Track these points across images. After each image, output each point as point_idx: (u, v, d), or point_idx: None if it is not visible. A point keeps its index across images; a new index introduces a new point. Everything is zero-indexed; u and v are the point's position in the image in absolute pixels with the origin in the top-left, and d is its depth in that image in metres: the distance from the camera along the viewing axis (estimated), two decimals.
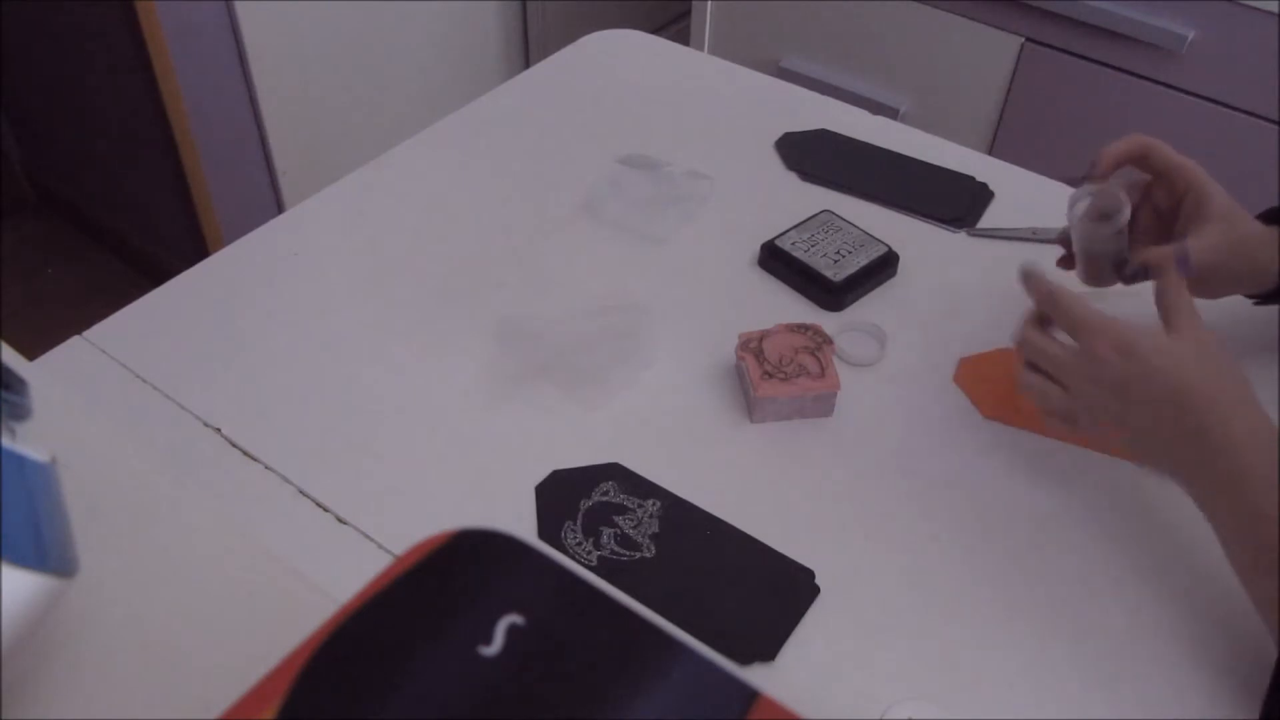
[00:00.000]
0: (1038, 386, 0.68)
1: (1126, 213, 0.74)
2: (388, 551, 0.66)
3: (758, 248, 0.89)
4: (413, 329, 0.82)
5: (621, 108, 1.07)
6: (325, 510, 0.68)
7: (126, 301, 0.82)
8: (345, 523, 0.68)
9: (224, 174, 1.72)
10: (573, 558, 0.66)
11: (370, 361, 0.79)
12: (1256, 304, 0.79)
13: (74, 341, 0.78)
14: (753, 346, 0.76)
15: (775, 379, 0.74)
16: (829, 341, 0.77)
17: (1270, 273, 0.74)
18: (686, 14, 1.87)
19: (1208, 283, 0.74)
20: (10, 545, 0.32)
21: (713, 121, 1.06)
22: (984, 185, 0.98)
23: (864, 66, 1.65)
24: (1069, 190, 0.98)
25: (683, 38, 1.57)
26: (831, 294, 0.84)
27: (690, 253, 0.90)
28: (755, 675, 0.34)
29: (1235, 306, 0.77)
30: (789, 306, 0.85)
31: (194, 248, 1.80)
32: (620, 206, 0.92)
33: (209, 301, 0.84)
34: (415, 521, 0.67)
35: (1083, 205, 0.76)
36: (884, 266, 0.87)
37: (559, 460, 0.72)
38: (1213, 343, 0.63)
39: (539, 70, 1.14)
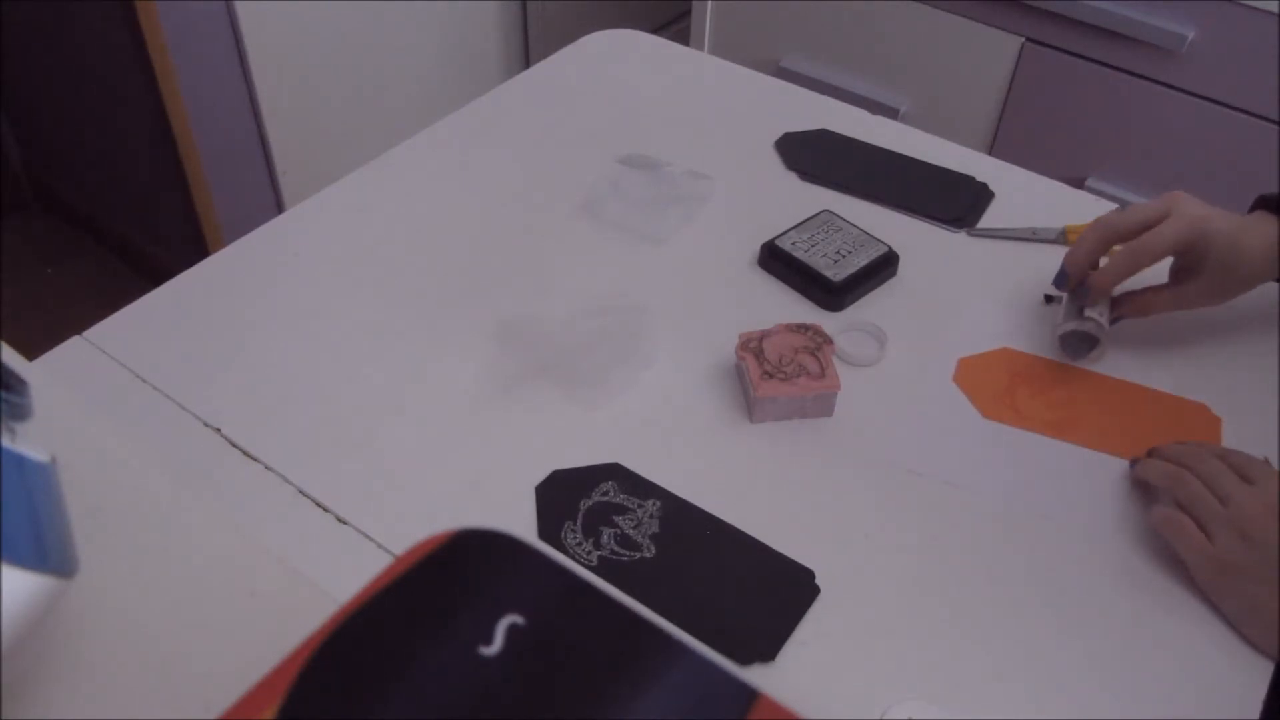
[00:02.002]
0: (1177, 524, 0.65)
1: (1104, 347, 0.79)
2: (388, 551, 0.66)
3: (758, 248, 0.89)
4: (413, 329, 0.82)
5: (621, 108, 1.07)
6: (325, 510, 0.68)
7: (126, 301, 0.82)
8: (345, 523, 0.68)
9: (224, 174, 1.72)
10: (573, 558, 0.66)
11: (370, 361, 0.79)
12: None
13: (74, 341, 0.78)
14: (753, 346, 0.76)
15: (775, 379, 0.74)
16: (829, 341, 0.77)
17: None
18: (686, 14, 1.86)
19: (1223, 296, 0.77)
20: (10, 545, 0.32)
21: (713, 121, 1.06)
22: (984, 185, 0.98)
23: (864, 66, 1.65)
24: (1069, 190, 0.98)
25: (683, 38, 1.57)
26: (831, 294, 0.84)
27: (690, 253, 0.90)
28: (755, 675, 0.34)
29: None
30: (789, 306, 0.85)
31: (194, 248, 1.80)
32: (620, 206, 0.92)
33: (209, 301, 0.84)
34: (415, 521, 0.68)
35: (1067, 328, 0.79)
36: (884, 266, 0.87)
37: (559, 460, 0.72)
38: None
39: (539, 70, 1.14)
